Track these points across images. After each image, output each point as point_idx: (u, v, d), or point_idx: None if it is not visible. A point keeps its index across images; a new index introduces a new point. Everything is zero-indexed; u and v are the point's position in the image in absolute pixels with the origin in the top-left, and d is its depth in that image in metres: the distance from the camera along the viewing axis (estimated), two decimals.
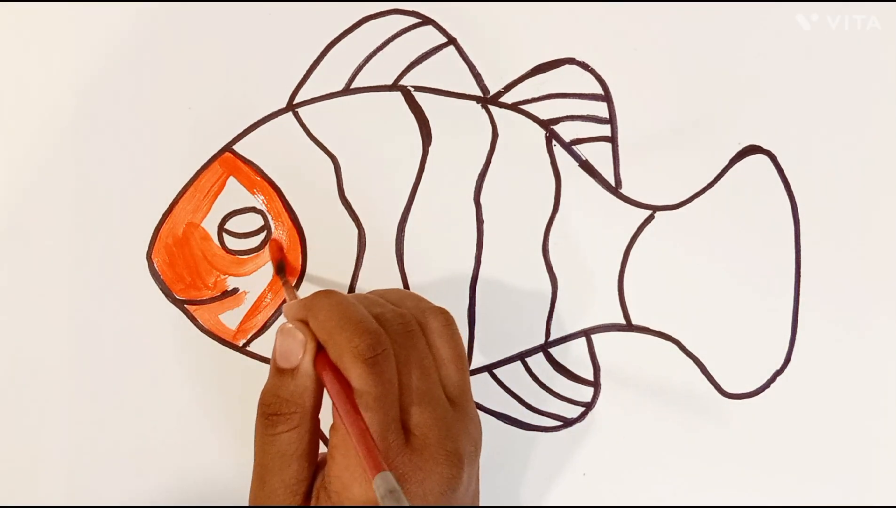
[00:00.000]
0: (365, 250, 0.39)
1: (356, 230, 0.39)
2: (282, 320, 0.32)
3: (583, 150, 0.40)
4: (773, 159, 0.40)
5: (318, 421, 0.31)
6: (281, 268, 0.38)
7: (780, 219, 0.40)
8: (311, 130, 0.39)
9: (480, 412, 0.39)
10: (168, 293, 0.39)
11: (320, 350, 0.30)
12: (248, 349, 0.39)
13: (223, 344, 0.39)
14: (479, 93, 0.40)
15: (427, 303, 0.33)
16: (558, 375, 0.40)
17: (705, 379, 0.40)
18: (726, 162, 0.40)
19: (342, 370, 0.29)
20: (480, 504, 0.34)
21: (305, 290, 0.39)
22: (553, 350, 0.40)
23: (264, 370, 0.39)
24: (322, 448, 0.32)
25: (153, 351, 0.39)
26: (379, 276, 0.39)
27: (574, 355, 0.40)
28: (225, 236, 0.39)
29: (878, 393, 0.40)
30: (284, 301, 0.39)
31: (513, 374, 0.40)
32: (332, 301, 0.30)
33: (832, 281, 0.40)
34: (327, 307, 0.30)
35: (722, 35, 0.40)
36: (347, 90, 0.40)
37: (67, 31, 0.39)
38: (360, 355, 0.29)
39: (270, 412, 0.30)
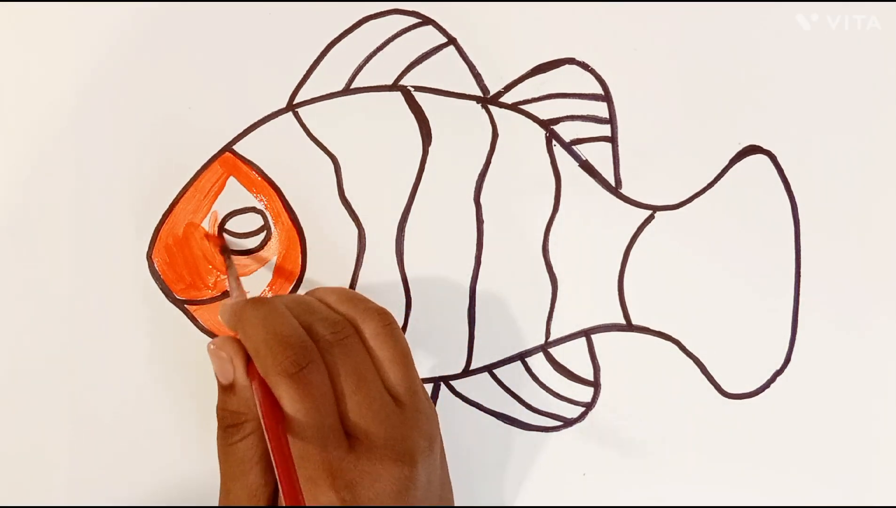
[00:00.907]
0: (365, 250, 0.39)
1: (356, 230, 0.39)
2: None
3: (583, 150, 0.40)
4: (773, 159, 0.40)
5: None
6: (226, 249, 0.38)
7: (780, 219, 0.40)
8: (311, 130, 0.39)
9: (480, 413, 0.40)
10: (168, 293, 0.39)
11: (251, 361, 0.31)
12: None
13: None
14: (479, 93, 0.40)
15: (366, 304, 0.33)
16: (558, 375, 0.40)
17: (705, 379, 0.40)
18: (726, 162, 0.40)
19: (269, 385, 0.29)
20: (471, 501, 0.34)
21: (305, 290, 0.39)
22: (553, 350, 0.40)
23: None
24: None
25: (153, 351, 0.39)
26: (379, 276, 0.39)
27: (574, 355, 0.40)
28: (225, 236, 0.39)
29: (878, 393, 0.40)
30: None
31: (513, 374, 0.40)
32: (259, 314, 0.30)
33: (832, 281, 0.40)
34: (253, 320, 0.30)
35: (722, 35, 0.40)
36: (347, 90, 0.40)
37: (67, 31, 0.39)
38: (285, 370, 0.29)
39: (224, 424, 0.31)
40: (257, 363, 0.30)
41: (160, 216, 0.39)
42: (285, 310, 0.31)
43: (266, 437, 0.28)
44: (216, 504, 0.39)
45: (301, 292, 0.39)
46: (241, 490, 0.31)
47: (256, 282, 0.39)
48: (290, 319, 0.31)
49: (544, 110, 0.40)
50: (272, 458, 0.28)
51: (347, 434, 0.30)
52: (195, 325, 0.39)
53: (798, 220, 0.40)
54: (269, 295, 0.39)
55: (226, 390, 0.31)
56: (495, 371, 0.40)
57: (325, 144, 0.39)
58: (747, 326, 0.40)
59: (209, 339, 0.39)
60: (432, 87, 0.40)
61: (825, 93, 0.40)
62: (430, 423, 0.32)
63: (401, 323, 0.39)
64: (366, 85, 0.40)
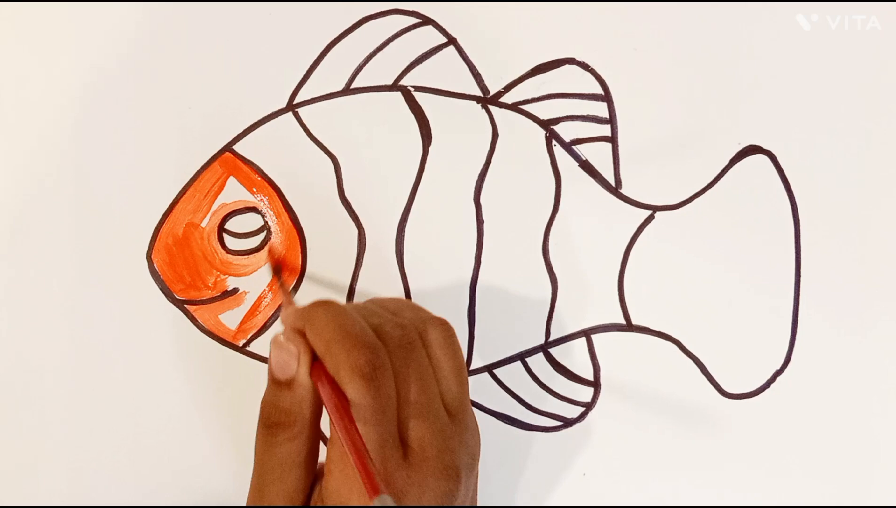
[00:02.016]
0: (365, 250, 0.39)
1: (356, 230, 0.39)
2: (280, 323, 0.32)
3: (583, 150, 0.40)
4: (773, 159, 0.40)
5: (318, 430, 0.31)
6: (278, 270, 0.38)
7: (780, 219, 0.40)
8: (311, 130, 0.39)
9: (480, 412, 0.40)
10: (168, 293, 0.39)
11: (316, 360, 0.30)
12: (248, 349, 0.39)
13: (223, 344, 0.39)
14: (479, 93, 0.40)
15: (427, 313, 0.33)
16: (558, 375, 0.40)
17: (705, 379, 0.40)
18: (726, 162, 0.40)
19: (339, 383, 0.29)
20: (479, 506, 0.34)
21: (305, 291, 0.39)
22: (553, 350, 0.40)
23: (264, 370, 0.39)
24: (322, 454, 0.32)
25: (153, 351, 0.39)
26: (379, 276, 0.39)
27: (574, 355, 0.40)
28: (225, 236, 0.39)
29: (878, 393, 0.40)
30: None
31: (513, 374, 0.40)
32: (329, 312, 0.30)
33: (832, 281, 0.40)
34: (325, 319, 0.30)
35: (722, 35, 0.40)
36: (347, 90, 0.40)
37: (68, 32, 0.39)
38: (358, 369, 0.28)
39: (270, 422, 0.30)
40: (329, 361, 0.29)
41: (160, 216, 0.39)
42: (354, 312, 0.31)
43: (339, 433, 0.28)
44: (216, 504, 0.39)
45: (300, 293, 0.39)
46: (278, 493, 0.30)
47: (256, 282, 0.39)
48: (361, 320, 0.30)
49: (544, 110, 0.40)
50: (348, 453, 0.27)
51: (401, 441, 0.29)
52: (195, 325, 0.39)
53: (798, 220, 0.40)
54: (270, 295, 0.39)
55: (280, 386, 0.30)
56: (495, 371, 0.40)
57: (325, 144, 0.39)
58: (747, 326, 0.40)
59: (209, 339, 0.39)
60: (432, 87, 0.40)
61: (825, 93, 0.40)
62: (475, 440, 0.32)
63: None
64: (366, 85, 0.40)
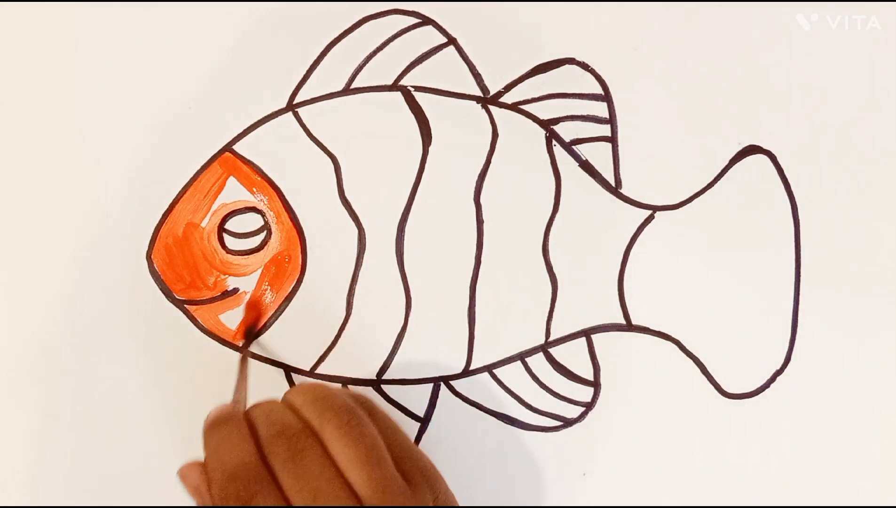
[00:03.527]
0: (365, 250, 0.39)
1: (356, 230, 0.39)
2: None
3: (583, 150, 0.40)
4: (773, 159, 0.40)
5: None
6: (249, 333, 0.37)
7: (780, 219, 0.40)
8: (311, 130, 0.39)
9: (480, 412, 0.40)
10: (168, 293, 0.39)
11: None
12: (247, 349, 0.39)
13: (223, 344, 0.39)
14: (479, 93, 0.40)
15: (331, 402, 0.31)
16: (558, 375, 0.40)
17: (705, 379, 0.40)
18: (726, 162, 0.40)
19: None
20: (471, 501, 0.33)
21: (305, 291, 0.39)
22: (553, 350, 0.40)
23: (264, 370, 0.39)
24: None
25: (153, 351, 0.39)
26: (379, 276, 0.39)
27: (574, 355, 0.40)
28: (225, 236, 0.39)
29: (878, 393, 0.40)
30: (287, 299, 0.39)
31: (513, 374, 0.40)
32: (214, 440, 0.31)
33: (832, 281, 0.40)
34: (210, 447, 0.31)
35: (722, 35, 0.40)
36: (347, 90, 0.40)
37: (67, 31, 0.39)
38: (229, 504, 0.29)
39: None
40: (212, 494, 0.30)
41: (160, 216, 0.39)
42: (243, 433, 0.31)
43: None
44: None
45: (300, 293, 0.39)
46: None
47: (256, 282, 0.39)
48: (244, 444, 0.30)
49: (544, 110, 0.40)
50: None
51: None
52: (195, 325, 0.39)
53: (798, 220, 0.40)
54: (270, 296, 0.39)
55: None
56: (495, 371, 0.40)
57: (325, 144, 0.39)
58: (747, 326, 0.40)
59: (209, 339, 0.39)
60: (432, 87, 0.40)
61: (825, 93, 0.40)
62: None
63: (401, 323, 0.39)
64: (366, 85, 0.40)
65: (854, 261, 0.40)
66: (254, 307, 0.39)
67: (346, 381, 0.39)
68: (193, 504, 0.38)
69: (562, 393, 0.40)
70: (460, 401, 0.40)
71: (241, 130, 0.39)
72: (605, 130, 0.40)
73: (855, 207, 0.40)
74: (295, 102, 0.40)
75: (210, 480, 0.30)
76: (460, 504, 0.33)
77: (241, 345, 0.37)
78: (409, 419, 0.39)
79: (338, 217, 0.39)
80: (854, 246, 0.40)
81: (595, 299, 0.40)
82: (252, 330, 0.38)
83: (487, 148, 0.40)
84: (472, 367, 0.40)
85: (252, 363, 0.39)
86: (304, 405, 0.32)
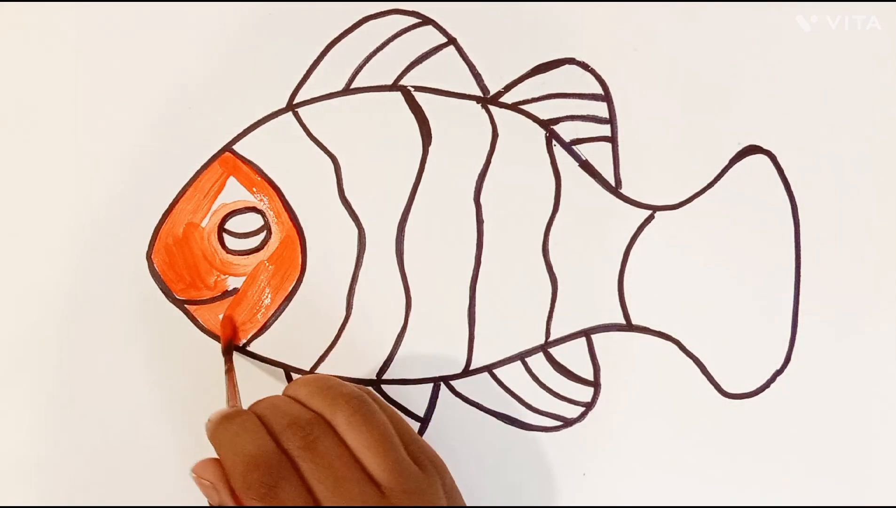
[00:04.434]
0: (365, 250, 0.39)
1: (356, 230, 0.39)
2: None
3: (583, 150, 0.40)
4: (773, 159, 0.40)
5: None
6: (229, 349, 0.37)
7: (780, 219, 0.40)
8: (311, 130, 0.39)
9: (480, 413, 0.40)
10: (168, 293, 0.39)
11: None
12: (248, 349, 0.39)
13: None
14: (479, 93, 0.40)
15: (339, 391, 0.32)
16: (558, 375, 0.40)
17: (705, 379, 0.40)
18: (726, 162, 0.40)
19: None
20: (471, 501, 0.33)
21: (305, 291, 0.39)
22: (553, 350, 0.40)
23: (264, 370, 0.39)
24: None
25: (153, 351, 0.39)
26: (379, 276, 0.39)
27: (574, 355, 0.40)
28: (225, 236, 0.39)
29: (878, 393, 0.40)
30: (287, 299, 0.39)
31: (513, 374, 0.40)
32: (228, 433, 0.31)
33: (832, 281, 0.40)
34: (223, 441, 0.31)
35: (722, 35, 0.40)
36: (347, 90, 0.40)
37: (67, 31, 0.39)
38: (255, 493, 0.29)
39: None
40: (232, 486, 0.30)
41: (160, 216, 0.39)
42: (255, 424, 0.31)
43: None
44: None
45: (300, 294, 0.39)
46: None
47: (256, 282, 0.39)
48: (260, 434, 0.30)
49: (544, 110, 0.40)
50: None
51: None
52: (195, 325, 0.39)
53: (798, 220, 0.40)
54: (269, 295, 0.39)
55: None
56: (495, 371, 0.40)
57: (325, 144, 0.39)
58: (747, 326, 0.40)
59: (209, 339, 0.39)
60: (432, 87, 0.40)
61: (825, 93, 0.40)
62: (424, 497, 0.31)
63: (401, 323, 0.39)
64: (366, 85, 0.40)
65: (854, 261, 0.40)
66: (228, 323, 0.39)
67: (346, 381, 0.39)
68: (194, 503, 0.38)
69: (562, 393, 0.40)
70: (460, 401, 0.40)
71: (241, 130, 0.39)
72: (605, 130, 0.40)
73: (855, 207, 0.40)
74: (295, 102, 0.40)
75: (230, 472, 0.30)
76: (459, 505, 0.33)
77: (224, 361, 0.37)
78: (410, 418, 0.39)
79: (338, 217, 0.39)
80: (854, 246, 0.40)
81: (595, 299, 0.40)
82: (231, 345, 0.38)
83: (487, 148, 0.40)
84: (472, 367, 0.40)
85: (252, 363, 0.39)
86: (310, 395, 0.32)
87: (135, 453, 0.39)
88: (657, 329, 0.40)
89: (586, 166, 0.40)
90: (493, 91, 0.40)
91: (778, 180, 0.40)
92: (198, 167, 0.39)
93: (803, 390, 0.40)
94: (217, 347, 0.39)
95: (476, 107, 0.40)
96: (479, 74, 0.40)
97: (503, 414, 0.40)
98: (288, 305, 0.39)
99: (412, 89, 0.40)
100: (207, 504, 0.32)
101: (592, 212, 0.40)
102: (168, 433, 0.39)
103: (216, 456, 0.31)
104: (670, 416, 0.40)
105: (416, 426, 0.39)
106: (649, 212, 0.40)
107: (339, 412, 0.31)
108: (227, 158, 0.39)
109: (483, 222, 0.40)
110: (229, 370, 0.37)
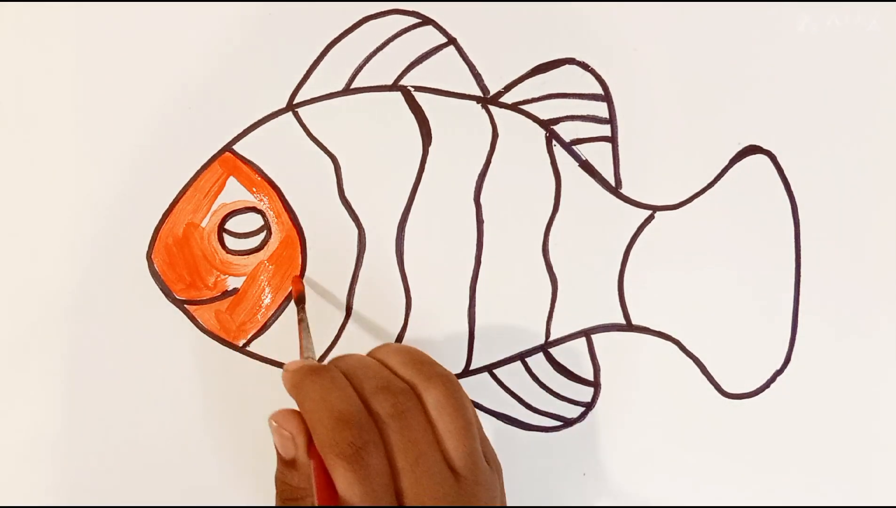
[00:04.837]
0: (365, 250, 0.39)
1: (356, 230, 0.39)
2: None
3: (583, 150, 0.40)
4: (773, 159, 0.40)
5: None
6: (301, 299, 0.37)
7: (780, 219, 0.40)
8: (311, 130, 0.39)
9: (480, 413, 0.40)
10: (168, 293, 0.39)
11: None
12: (248, 348, 0.39)
13: (223, 344, 0.39)
14: (479, 93, 0.40)
15: (432, 369, 0.32)
16: (558, 375, 0.40)
17: (705, 379, 0.40)
18: (726, 162, 0.40)
19: (327, 466, 0.29)
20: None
21: (305, 290, 0.39)
22: (553, 350, 0.40)
23: (264, 370, 0.39)
24: None
25: (153, 351, 0.39)
26: (379, 276, 0.39)
27: (574, 355, 0.40)
28: (225, 236, 0.39)
29: (878, 393, 0.40)
30: (287, 299, 0.39)
31: (513, 374, 0.40)
32: (317, 387, 0.30)
33: (832, 281, 0.40)
34: (312, 394, 0.30)
35: (722, 35, 0.40)
36: (347, 90, 0.40)
37: (67, 31, 0.39)
38: (342, 452, 0.28)
39: (284, 497, 0.30)
40: (315, 441, 0.29)
41: (160, 216, 0.39)
42: (344, 382, 0.30)
43: None
44: (216, 504, 0.39)
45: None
46: None
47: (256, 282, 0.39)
48: (349, 392, 0.30)
49: (544, 110, 0.40)
50: None
51: None
52: (195, 325, 0.39)
53: (798, 220, 0.40)
54: (269, 295, 0.39)
55: (287, 464, 0.30)
56: (495, 371, 0.40)
57: (325, 144, 0.39)
58: (747, 326, 0.40)
59: (209, 339, 0.39)
60: (432, 87, 0.40)
61: (825, 93, 0.40)
62: (490, 492, 0.31)
63: (401, 323, 0.39)
64: (366, 85, 0.40)
65: (854, 261, 0.40)
66: (297, 280, 0.38)
67: None
68: (194, 503, 0.38)
69: (562, 393, 0.40)
70: None
71: (241, 130, 0.39)
72: (605, 130, 0.40)
73: (855, 207, 0.40)
74: (295, 102, 0.40)
75: (314, 427, 0.29)
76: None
77: (297, 310, 0.37)
78: None
79: (338, 217, 0.39)
80: (854, 246, 0.40)
81: (595, 299, 0.40)
82: (303, 296, 0.38)
83: (487, 148, 0.40)
84: (472, 367, 0.40)
85: (252, 363, 0.39)
86: (402, 364, 0.32)
87: (135, 453, 0.39)
88: (657, 329, 0.40)
89: (586, 166, 0.40)
90: (493, 91, 0.40)
91: (778, 180, 0.40)
92: (198, 167, 0.39)
93: (803, 390, 0.40)
94: (217, 347, 0.39)
95: (476, 107, 0.40)
96: (479, 74, 0.40)
97: (503, 414, 0.40)
98: (288, 305, 0.39)
99: (412, 89, 0.40)
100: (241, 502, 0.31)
101: (592, 212, 0.40)
102: (168, 432, 0.39)
103: (292, 408, 0.31)
104: (670, 416, 0.40)
105: None
106: (649, 212, 0.40)
107: (433, 390, 0.31)
108: (227, 158, 0.39)
109: (483, 222, 0.40)
110: (301, 320, 0.36)
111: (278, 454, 0.31)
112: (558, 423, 0.40)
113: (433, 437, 0.30)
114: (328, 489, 0.28)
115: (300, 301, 0.37)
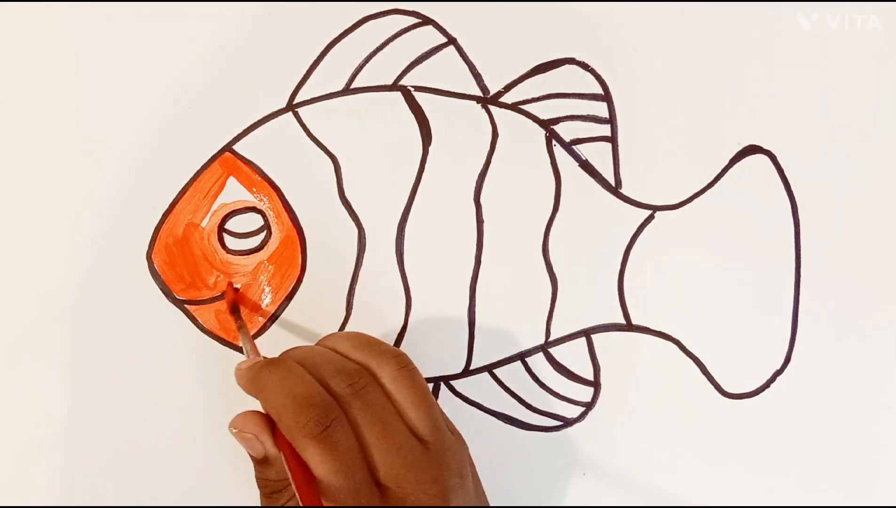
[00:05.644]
0: (365, 250, 0.39)
1: (356, 230, 0.39)
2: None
3: (583, 150, 0.40)
4: (773, 159, 0.40)
5: None
6: (235, 308, 0.38)
7: (780, 219, 0.40)
8: (311, 130, 0.39)
9: (480, 412, 0.40)
10: (168, 293, 0.39)
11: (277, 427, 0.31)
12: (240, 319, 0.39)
13: (223, 344, 0.39)
14: (479, 93, 0.40)
15: (381, 348, 0.33)
16: (558, 375, 0.40)
17: (705, 379, 0.40)
18: (726, 162, 0.40)
19: (296, 449, 0.29)
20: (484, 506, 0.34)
21: (305, 291, 0.39)
22: (553, 350, 0.40)
23: None
24: None
25: (153, 351, 0.39)
26: (379, 276, 0.39)
27: (574, 355, 0.40)
28: (225, 235, 0.39)
29: (878, 393, 0.40)
30: (287, 299, 0.39)
31: (513, 374, 0.40)
32: (275, 377, 0.31)
33: (832, 281, 0.40)
34: (271, 384, 0.30)
35: (722, 35, 0.40)
36: (347, 90, 0.40)
37: (68, 31, 0.39)
38: (310, 432, 0.29)
39: (267, 492, 0.32)
40: (281, 428, 0.30)
41: (160, 216, 0.39)
42: (300, 369, 0.31)
43: (300, 502, 0.28)
44: (216, 504, 0.39)
45: (300, 294, 0.39)
46: None
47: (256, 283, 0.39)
48: (307, 377, 0.31)
49: (544, 110, 0.40)
50: None
51: (378, 484, 0.30)
52: (195, 325, 0.39)
53: (798, 220, 0.40)
54: (270, 295, 0.39)
55: (261, 462, 0.31)
56: (495, 371, 0.40)
57: (325, 144, 0.39)
58: (747, 325, 0.40)
59: (209, 339, 0.39)
60: (432, 87, 0.40)
61: (825, 93, 0.40)
62: (458, 457, 0.32)
63: (401, 323, 0.39)
64: (366, 85, 0.40)
65: (854, 261, 0.40)
66: (230, 287, 0.39)
67: None
68: (194, 502, 0.38)
69: (562, 393, 0.40)
70: (460, 401, 0.40)
71: (241, 130, 0.39)
72: (605, 130, 0.40)
73: (855, 207, 0.40)
74: (295, 102, 0.40)
75: (278, 416, 0.30)
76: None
77: (234, 320, 0.37)
78: None
79: (338, 217, 0.39)
80: (854, 246, 0.40)
81: (595, 299, 0.40)
82: (236, 305, 0.38)
83: (487, 148, 0.40)
84: (472, 367, 0.40)
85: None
86: (353, 348, 0.33)
87: (135, 453, 0.39)
88: (657, 329, 0.40)
89: (586, 166, 0.40)
90: (493, 91, 0.40)
91: (778, 180, 0.40)
92: (198, 167, 0.39)
93: (803, 390, 0.40)
94: (217, 347, 0.39)
95: (476, 107, 0.40)
96: (479, 74, 0.40)
97: (503, 414, 0.40)
98: (288, 305, 0.39)
99: (412, 89, 0.40)
100: None
101: (592, 212, 0.40)
102: (168, 432, 0.39)
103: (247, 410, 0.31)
104: (670, 416, 0.40)
105: None
106: (649, 212, 0.40)
107: (386, 366, 0.32)
108: (227, 158, 0.39)
109: (483, 222, 0.40)
110: (241, 326, 0.37)
111: (250, 455, 0.32)
112: (558, 423, 0.40)
113: (394, 410, 0.31)
114: (303, 472, 0.29)
115: (234, 310, 0.37)
